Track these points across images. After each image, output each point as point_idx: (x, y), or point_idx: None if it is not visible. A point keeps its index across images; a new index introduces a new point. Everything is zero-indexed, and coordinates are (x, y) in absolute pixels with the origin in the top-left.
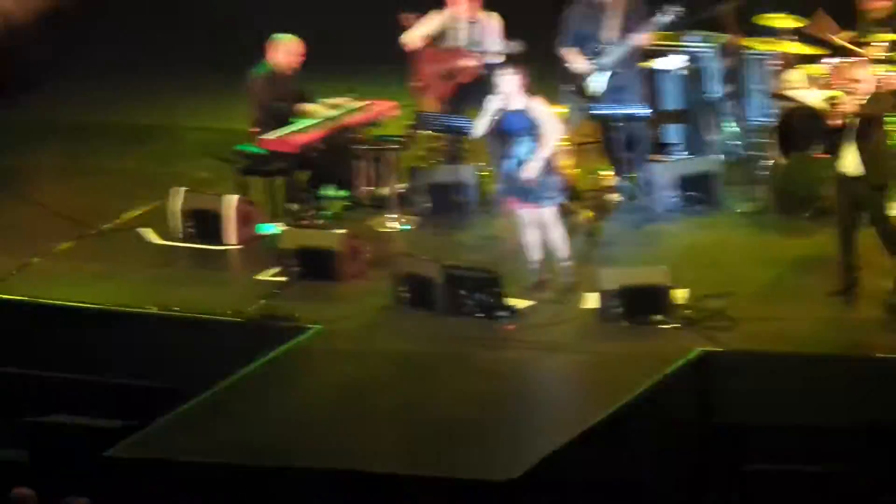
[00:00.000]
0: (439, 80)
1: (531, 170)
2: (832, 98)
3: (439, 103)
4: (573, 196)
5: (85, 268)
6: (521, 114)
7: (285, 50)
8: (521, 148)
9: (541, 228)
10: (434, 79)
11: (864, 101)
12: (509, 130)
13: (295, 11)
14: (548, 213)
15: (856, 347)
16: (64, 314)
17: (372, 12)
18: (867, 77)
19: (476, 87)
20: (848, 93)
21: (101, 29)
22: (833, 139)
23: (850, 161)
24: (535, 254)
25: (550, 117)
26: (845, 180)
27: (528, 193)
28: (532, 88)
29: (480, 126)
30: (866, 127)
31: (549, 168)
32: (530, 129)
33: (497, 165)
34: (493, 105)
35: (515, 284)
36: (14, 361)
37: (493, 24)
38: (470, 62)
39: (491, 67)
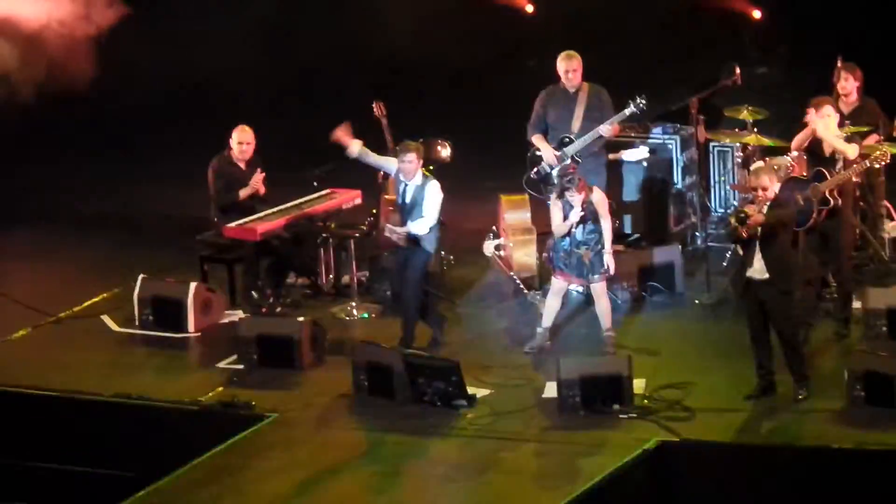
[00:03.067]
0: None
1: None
2: (741, 214)
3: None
4: (534, 285)
5: (42, 355)
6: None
7: (236, 139)
8: (580, 231)
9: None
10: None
11: (767, 209)
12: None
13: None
14: (598, 286)
15: (811, 438)
16: (17, 401)
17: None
18: (773, 184)
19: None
20: (756, 199)
21: (61, 114)
22: (745, 245)
23: (757, 266)
24: (548, 321)
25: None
26: (753, 284)
27: (581, 268)
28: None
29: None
30: (771, 232)
31: (601, 247)
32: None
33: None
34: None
35: (479, 372)
36: None
37: (430, 190)
38: (392, 234)
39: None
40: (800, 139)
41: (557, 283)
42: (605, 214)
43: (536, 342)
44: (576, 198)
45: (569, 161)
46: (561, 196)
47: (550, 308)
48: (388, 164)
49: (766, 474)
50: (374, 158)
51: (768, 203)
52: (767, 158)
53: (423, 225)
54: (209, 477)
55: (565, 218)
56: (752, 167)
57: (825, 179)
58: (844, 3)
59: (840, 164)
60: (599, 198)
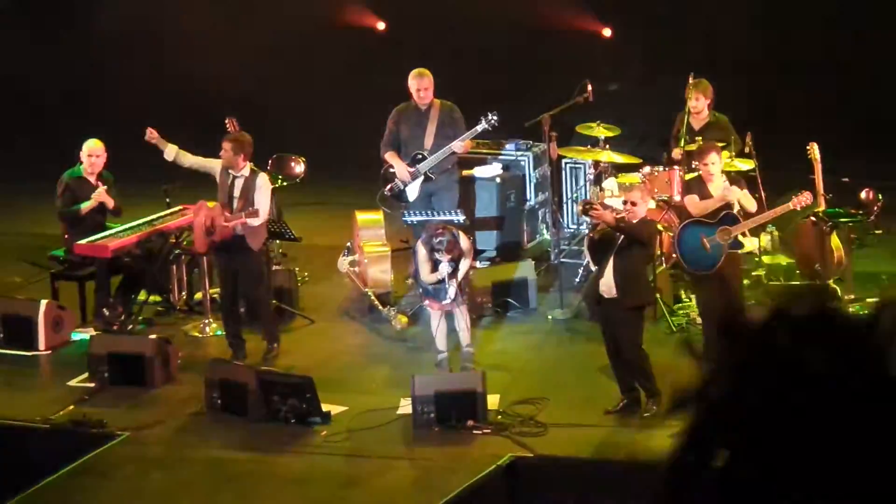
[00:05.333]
0: (203, 233)
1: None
2: (587, 205)
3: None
4: (389, 301)
5: None
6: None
7: (85, 151)
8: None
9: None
10: (199, 231)
11: (633, 223)
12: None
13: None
14: (461, 306)
15: (664, 453)
16: None
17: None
18: (643, 202)
19: (232, 244)
20: (626, 211)
21: None
22: (597, 256)
23: (607, 279)
24: (443, 345)
25: (469, 254)
26: (602, 300)
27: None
28: None
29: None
30: (626, 247)
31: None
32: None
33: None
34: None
35: (333, 389)
36: None
37: (260, 183)
38: (229, 222)
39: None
40: (703, 207)
41: (432, 311)
42: (466, 257)
43: (444, 369)
44: (444, 257)
45: (453, 219)
46: (430, 254)
47: (440, 332)
48: (210, 164)
49: (621, 489)
50: (191, 160)
51: (635, 220)
52: (619, 175)
53: (256, 217)
54: (59, 497)
55: (433, 268)
56: (625, 182)
57: (736, 222)
58: (694, 19)
59: (738, 208)
60: (467, 246)
